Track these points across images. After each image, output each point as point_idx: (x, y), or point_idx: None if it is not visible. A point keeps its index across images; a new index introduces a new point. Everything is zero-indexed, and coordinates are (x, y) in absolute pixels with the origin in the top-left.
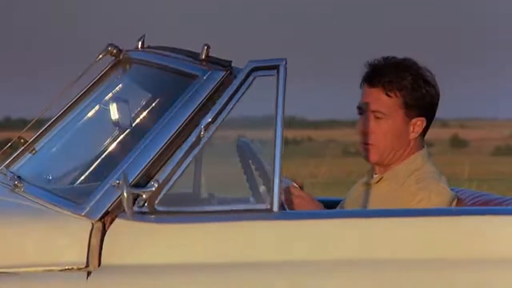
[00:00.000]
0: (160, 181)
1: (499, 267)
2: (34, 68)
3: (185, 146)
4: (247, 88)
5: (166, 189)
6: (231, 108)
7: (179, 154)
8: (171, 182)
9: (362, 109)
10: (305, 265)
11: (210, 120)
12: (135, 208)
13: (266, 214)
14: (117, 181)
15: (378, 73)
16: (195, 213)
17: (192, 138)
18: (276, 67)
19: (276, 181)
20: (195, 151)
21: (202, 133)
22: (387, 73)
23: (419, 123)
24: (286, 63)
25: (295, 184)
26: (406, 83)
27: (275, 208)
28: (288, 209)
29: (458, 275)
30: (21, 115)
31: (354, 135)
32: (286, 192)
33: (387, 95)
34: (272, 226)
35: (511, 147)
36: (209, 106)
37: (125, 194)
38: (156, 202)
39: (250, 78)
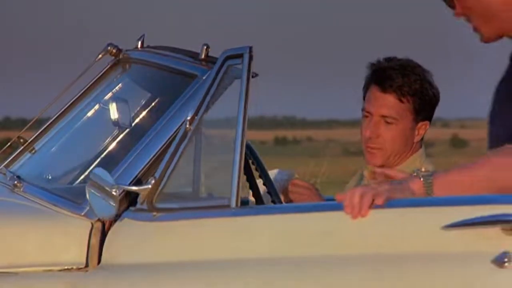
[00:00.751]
0: (156, 178)
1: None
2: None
3: (174, 142)
4: (222, 76)
5: (161, 186)
6: (211, 98)
7: (170, 150)
8: (164, 179)
9: (370, 113)
10: (262, 262)
11: (193, 113)
12: (137, 206)
13: (223, 211)
14: (90, 180)
15: (387, 77)
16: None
17: (179, 134)
18: (241, 56)
19: (235, 175)
20: (183, 145)
21: (187, 126)
22: (397, 77)
23: (423, 126)
24: (251, 50)
25: (297, 176)
26: (417, 86)
27: (233, 204)
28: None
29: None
30: (21, 115)
31: (354, 135)
32: (286, 184)
33: (400, 100)
34: (228, 222)
35: None
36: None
37: (87, 195)
38: (154, 199)
39: (224, 67)
